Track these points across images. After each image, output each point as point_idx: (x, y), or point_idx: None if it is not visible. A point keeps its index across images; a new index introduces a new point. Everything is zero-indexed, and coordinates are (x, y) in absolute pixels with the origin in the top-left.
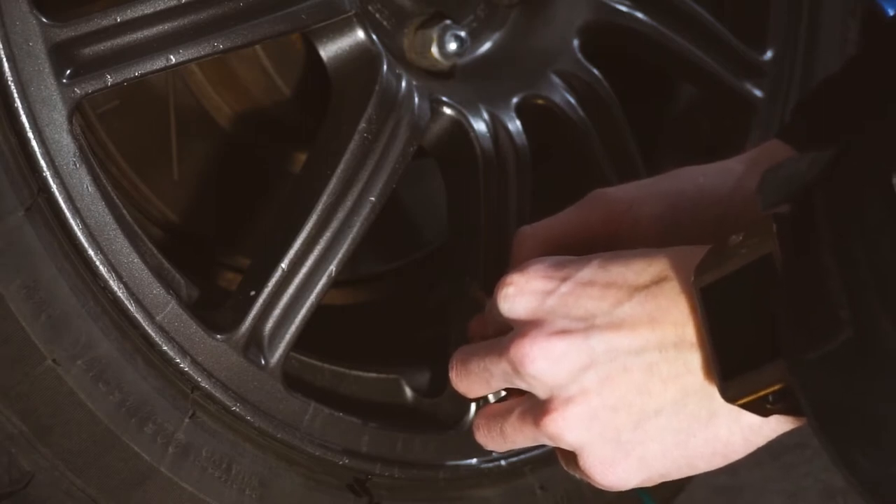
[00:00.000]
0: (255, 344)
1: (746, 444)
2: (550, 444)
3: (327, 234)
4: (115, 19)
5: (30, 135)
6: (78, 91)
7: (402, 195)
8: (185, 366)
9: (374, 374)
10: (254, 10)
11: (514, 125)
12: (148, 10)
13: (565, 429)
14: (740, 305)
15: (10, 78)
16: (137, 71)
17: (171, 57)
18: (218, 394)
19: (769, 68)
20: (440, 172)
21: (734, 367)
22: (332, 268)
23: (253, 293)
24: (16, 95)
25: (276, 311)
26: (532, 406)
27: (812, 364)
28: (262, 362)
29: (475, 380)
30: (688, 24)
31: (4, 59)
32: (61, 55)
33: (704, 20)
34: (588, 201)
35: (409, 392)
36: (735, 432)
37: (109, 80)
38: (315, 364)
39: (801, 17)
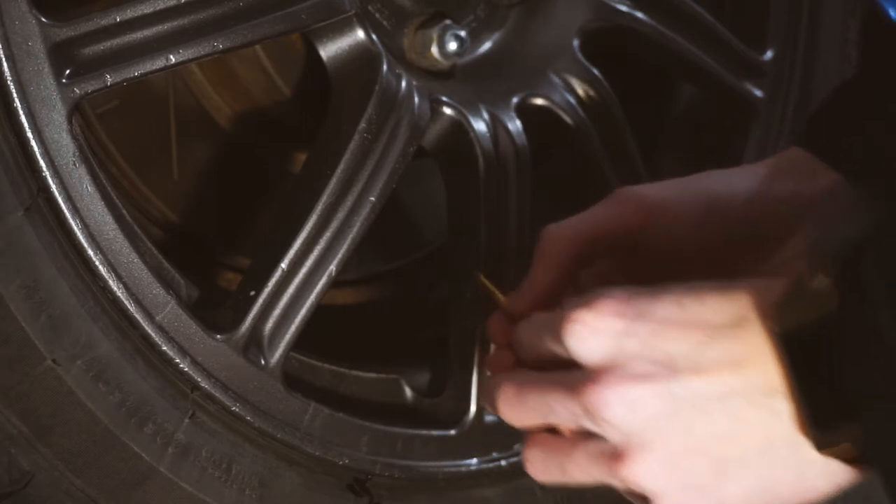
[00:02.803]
0: (255, 344)
1: (834, 487)
2: (621, 487)
3: (327, 234)
4: (115, 19)
5: (29, 135)
6: (77, 91)
7: (402, 195)
8: (184, 366)
9: (374, 374)
10: (254, 9)
11: (514, 125)
12: (148, 9)
13: (642, 476)
14: (821, 355)
15: (9, 78)
16: (137, 71)
17: (171, 57)
18: (218, 394)
19: (769, 68)
20: (440, 172)
21: (822, 418)
22: (332, 268)
23: (253, 293)
24: (15, 95)
25: (276, 311)
26: (604, 450)
27: (881, 418)
28: (262, 362)
29: (529, 412)
30: (688, 24)
31: (4, 59)
32: (61, 55)
33: (704, 20)
34: (617, 200)
35: (409, 392)
36: (821, 477)
37: (109, 79)
38: (315, 364)
39: (801, 17)
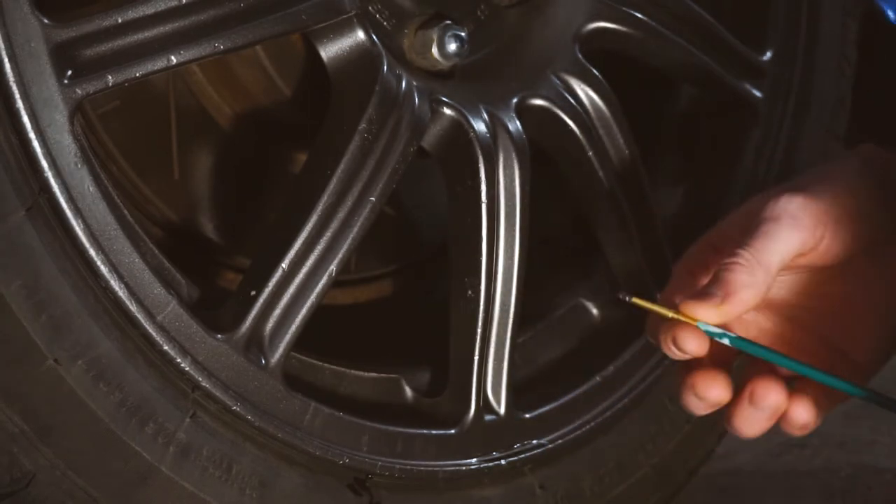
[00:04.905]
0: (255, 344)
1: None
2: None
3: (327, 234)
4: (117, 20)
5: (31, 135)
6: (79, 91)
7: (402, 195)
8: (185, 365)
9: (374, 374)
10: (254, 10)
11: (514, 125)
12: (149, 10)
13: None
14: None
15: (11, 78)
16: (138, 71)
17: (172, 57)
18: (218, 393)
19: (769, 68)
20: (440, 172)
21: None
22: (333, 268)
23: (253, 293)
24: (17, 96)
25: (277, 311)
26: None
27: None
28: (263, 362)
29: None
30: (687, 25)
31: (6, 60)
32: (63, 56)
33: (704, 21)
34: (792, 218)
35: (409, 392)
36: None
37: (110, 80)
38: (315, 364)
39: (801, 18)
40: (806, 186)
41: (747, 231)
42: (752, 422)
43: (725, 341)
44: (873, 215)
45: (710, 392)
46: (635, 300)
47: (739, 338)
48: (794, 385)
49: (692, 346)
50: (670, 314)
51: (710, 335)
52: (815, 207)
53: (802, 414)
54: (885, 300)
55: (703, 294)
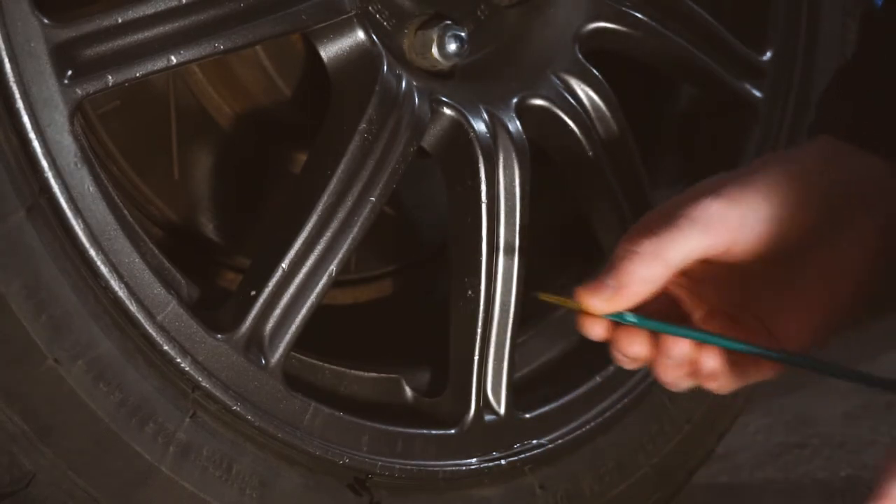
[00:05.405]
0: (255, 344)
1: None
2: None
3: (327, 234)
4: (117, 20)
5: (31, 135)
6: (79, 91)
7: (402, 195)
8: (185, 365)
9: (374, 374)
10: (254, 10)
11: (514, 125)
12: (149, 10)
13: None
14: None
15: (11, 78)
16: (138, 71)
17: (172, 57)
18: (218, 393)
19: (769, 68)
20: (440, 172)
21: None
22: (333, 268)
23: (253, 293)
24: (17, 96)
25: (277, 311)
26: None
27: None
28: (263, 362)
29: None
30: (688, 25)
31: (6, 60)
32: (63, 56)
33: (704, 21)
34: (702, 224)
35: (409, 392)
36: None
37: (111, 80)
38: (315, 364)
39: (801, 18)
40: (727, 190)
41: (660, 222)
42: (667, 371)
43: (630, 321)
44: (804, 216)
45: (631, 349)
46: (542, 296)
47: (641, 318)
48: None
49: (598, 332)
50: (570, 305)
51: (614, 319)
52: (731, 215)
53: (709, 361)
54: (830, 289)
55: (596, 285)
